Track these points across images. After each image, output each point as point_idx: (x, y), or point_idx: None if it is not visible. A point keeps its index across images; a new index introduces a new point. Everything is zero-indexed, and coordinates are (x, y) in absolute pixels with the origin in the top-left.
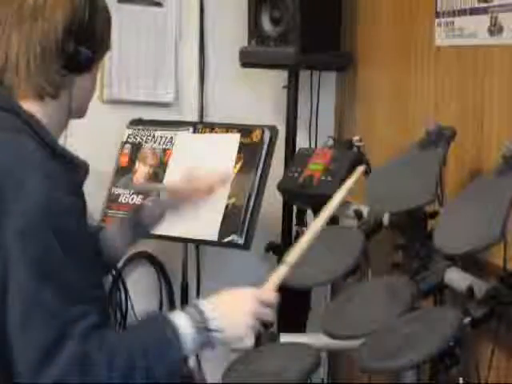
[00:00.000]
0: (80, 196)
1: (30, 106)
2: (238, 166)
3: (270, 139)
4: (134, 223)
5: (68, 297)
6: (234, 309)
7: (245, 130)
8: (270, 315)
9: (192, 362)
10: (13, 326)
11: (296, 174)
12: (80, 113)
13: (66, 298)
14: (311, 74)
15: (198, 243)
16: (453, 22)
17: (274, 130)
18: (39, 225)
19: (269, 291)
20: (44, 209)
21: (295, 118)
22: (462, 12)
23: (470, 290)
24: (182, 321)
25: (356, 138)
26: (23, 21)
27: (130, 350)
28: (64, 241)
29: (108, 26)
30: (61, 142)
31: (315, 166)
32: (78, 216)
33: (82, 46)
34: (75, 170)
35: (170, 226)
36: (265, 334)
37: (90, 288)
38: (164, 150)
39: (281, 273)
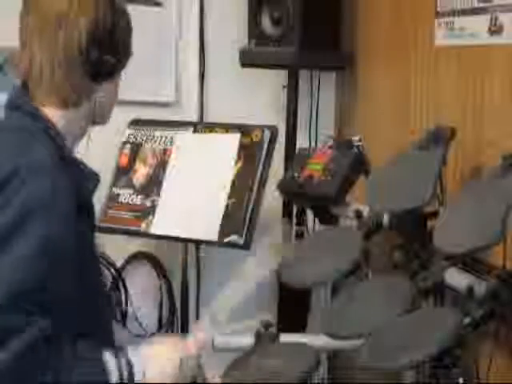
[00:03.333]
0: (83, 206)
1: (52, 112)
2: (238, 166)
3: (270, 139)
4: None
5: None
6: (158, 358)
7: (245, 130)
8: (192, 368)
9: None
10: None
11: (296, 174)
12: (102, 119)
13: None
14: (311, 74)
15: (198, 243)
16: (453, 22)
17: (274, 130)
18: (27, 219)
19: (191, 345)
20: (39, 208)
21: (295, 117)
22: (462, 12)
23: (470, 290)
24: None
25: (356, 138)
26: (48, 28)
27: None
28: (48, 246)
29: (129, 31)
30: (82, 148)
31: (315, 166)
32: (70, 226)
33: (105, 53)
34: (84, 179)
35: (170, 226)
36: (265, 334)
37: (64, 299)
38: (164, 150)
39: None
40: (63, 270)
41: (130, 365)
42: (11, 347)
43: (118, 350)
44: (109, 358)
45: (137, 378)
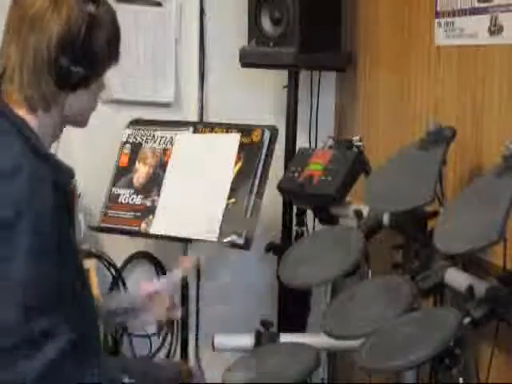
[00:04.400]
0: (62, 200)
1: (23, 114)
2: (238, 166)
3: (270, 139)
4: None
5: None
6: None
7: (245, 130)
8: None
9: (192, 362)
10: None
11: (296, 174)
12: (78, 124)
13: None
14: (311, 74)
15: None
16: (453, 22)
17: (274, 130)
18: (15, 223)
19: None
20: (24, 206)
21: (295, 117)
22: (462, 12)
23: (470, 289)
24: None
25: (356, 137)
26: (22, 30)
27: None
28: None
29: (112, 43)
30: (54, 145)
31: (315, 166)
32: (58, 218)
33: (75, 63)
34: (62, 175)
35: (170, 226)
36: (265, 334)
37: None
38: (164, 150)
39: None
40: (61, 266)
41: None
42: (47, 352)
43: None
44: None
45: None
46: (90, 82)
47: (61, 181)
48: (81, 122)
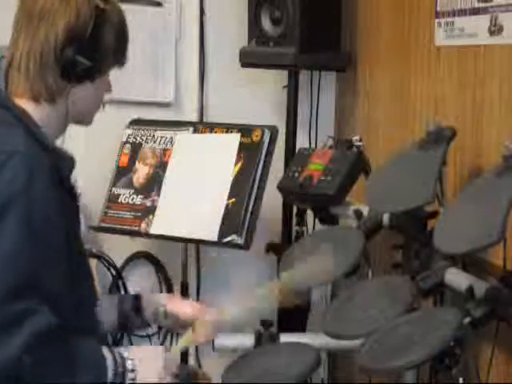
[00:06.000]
0: (64, 189)
1: (27, 105)
2: (238, 165)
3: (270, 139)
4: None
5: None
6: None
7: (245, 130)
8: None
9: (192, 362)
10: None
11: (296, 174)
12: (82, 121)
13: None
14: (311, 74)
15: (198, 243)
16: (453, 22)
17: (274, 130)
18: (7, 207)
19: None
20: (17, 193)
21: (295, 117)
22: (462, 12)
23: (470, 289)
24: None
25: (356, 137)
26: (31, 23)
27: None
28: (30, 228)
29: (118, 40)
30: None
31: (315, 166)
32: (53, 207)
33: (81, 55)
34: (61, 163)
35: (170, 226)
36: (265, 334)
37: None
38: (164, 150)
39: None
40: (52, 255)
41: (124, 364)
42: (25, 331)
43: (112, 347)
44: (106, 354)
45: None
46: (95, 76)
47: (63, 171)
48: (85, 119)
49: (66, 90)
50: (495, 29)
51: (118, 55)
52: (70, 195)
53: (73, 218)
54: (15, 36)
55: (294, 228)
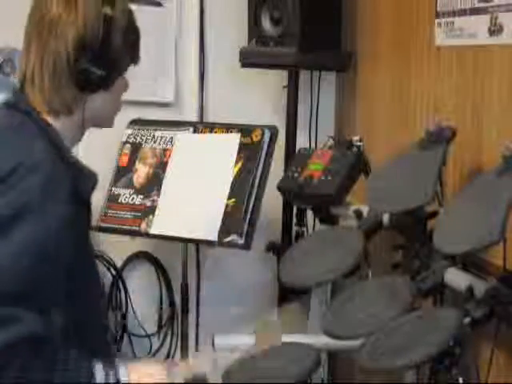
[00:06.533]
0: (81, 205)
1: (45, 115)
2: (238, 166)
3: (270, 139)
4: None
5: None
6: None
7: (245, 130)
8: None
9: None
10: None
11: (296, 174)
12: (102, 125)
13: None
14: (311, 74)
15: (198, 243)
16: (453, 22)
17: (274, 130)
18: (18, 216)
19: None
20: (30, 205)
21: (295, 117)
22: (462, 12)
23: (470, 290)
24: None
25: (356, 138)
26: (41, 35)
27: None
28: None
29: (129, 43)
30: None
31: (315, 166)
32: (66, 225)
33: (93, 64)
34: (83, 180)
35: (170, 226)
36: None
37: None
38: (164, 150)
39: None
40: (56, 266)
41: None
42: (10, 332)
43: (108, 365)
44: (98, 369)
45: None
46: (110, 83)
47: (82, 188)
48: (105, 123)
49: (82, 101)
50: (495, 29)
51: (132, 55)
52: (87, 210)
53: (85, 232)
54: (25, 50)
55: (294, 228)
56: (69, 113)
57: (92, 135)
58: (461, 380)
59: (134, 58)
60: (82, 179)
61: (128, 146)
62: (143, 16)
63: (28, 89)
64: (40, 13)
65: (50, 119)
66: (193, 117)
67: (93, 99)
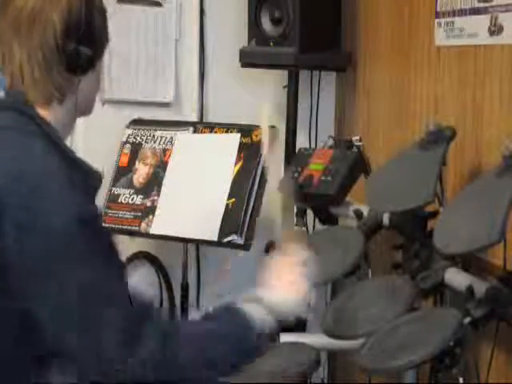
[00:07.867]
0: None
1: (39, 110)
2: (238, 165)
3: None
4: None
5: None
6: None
7: (245, 130)
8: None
9: None
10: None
11: (296, 174)
12: (86, 112)
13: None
14: (311, 74)
15: (198, 243)
16: (453, 22)
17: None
18: (76, 238)
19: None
20: (79, 220)
21: (295, 117)
22: (462, 12)
23: (470, 289)
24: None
25: (356, 137)
26: (21, 29)
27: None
28: (98, 247)
29: (104, 19)
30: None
31: (315, 166)
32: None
33: (81, 45)
34: (88, 176)
35: (170, 226)
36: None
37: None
38: (164, 150)
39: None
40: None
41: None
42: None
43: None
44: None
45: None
46: (96, 62)
47: (92, 186)
48: (88, 109)
49: (74, 84)
50: (495, 29)
51: (107, 34)
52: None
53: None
54: (5, 43)
55: (294, 228)
56: (62, 99)
57: (92, 135)
58: (461, 380)
59: (108, 36)
60: (88, 179)
61: (128, 145)
62: (143, 16)
63: (17, 85)
64: (14, 11)
65: (43, 111)
66: (193, 117)
67: (84, 81)
